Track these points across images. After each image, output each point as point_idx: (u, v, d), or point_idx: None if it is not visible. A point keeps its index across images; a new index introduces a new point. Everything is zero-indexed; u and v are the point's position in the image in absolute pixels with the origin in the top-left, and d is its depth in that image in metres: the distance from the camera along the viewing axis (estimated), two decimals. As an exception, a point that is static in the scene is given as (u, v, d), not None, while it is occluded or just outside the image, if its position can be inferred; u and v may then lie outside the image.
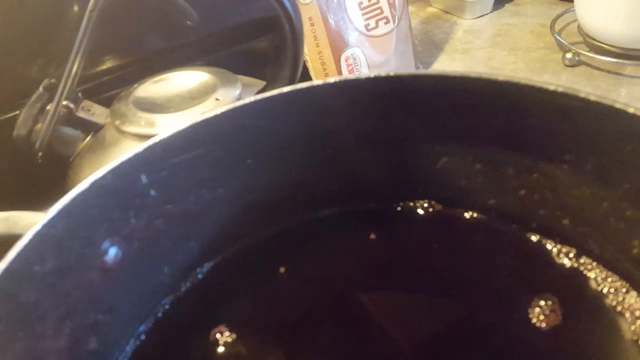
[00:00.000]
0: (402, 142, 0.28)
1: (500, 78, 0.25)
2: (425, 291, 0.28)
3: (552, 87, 0.24)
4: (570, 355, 0.24)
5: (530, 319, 0.25)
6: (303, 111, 0.27)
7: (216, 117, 0.26)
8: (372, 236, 0.31)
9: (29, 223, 0.21)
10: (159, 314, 0.28)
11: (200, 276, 0.30)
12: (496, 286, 0.28)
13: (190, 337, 0.27)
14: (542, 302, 0.26)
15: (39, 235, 0.20)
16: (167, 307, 0.28)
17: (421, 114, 0.27)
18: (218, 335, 0.27)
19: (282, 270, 0.30)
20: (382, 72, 0.26)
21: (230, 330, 0.27)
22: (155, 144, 0.24)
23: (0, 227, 0.21)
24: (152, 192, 0.25)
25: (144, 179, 0.24)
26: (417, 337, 0.26)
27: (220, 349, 0.26)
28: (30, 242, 0.20)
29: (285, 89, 0.26)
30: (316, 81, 0.26)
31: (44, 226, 0.20)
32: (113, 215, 0.24)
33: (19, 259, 0.19)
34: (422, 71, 0.26)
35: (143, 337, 0.27)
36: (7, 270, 0.19)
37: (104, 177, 0.22)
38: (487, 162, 0.28)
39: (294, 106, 0.27)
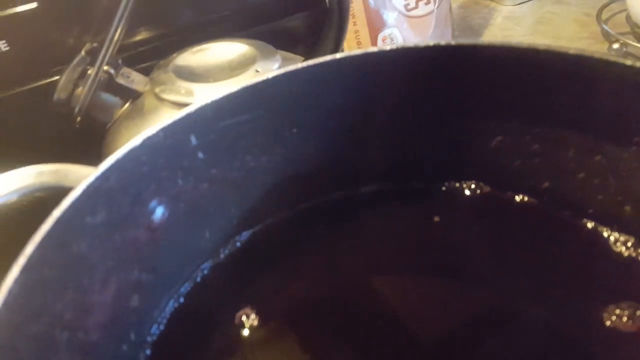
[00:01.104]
0: (455, 117, 0.27)
1: (572, 51, 0.23)
2: (463, 279, 0.27)
3: (628, 62, 0.22)
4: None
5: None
6: (354, 79, 0.26)
7: (267, 81, 0.25)
8: (414, 217, 0.31)
9: (80, 176, 0.21)
10: (198, 279, 0.27)
11: (238, 244, 0.29)
12: (544, 276, 0.26)
13: (227, 304, 0.27)
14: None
15: (92, 187, 0.20)
16: (205, 272, 0.28)
17: (480, 88, 0.26)
18: (246, 313, 0.26)
19: (318, 246, 0.30)
20: (442, 41, 0.24)
21: (258, 310, 0.26)
22: (206, 105, 0.23)
23: (51, 178, 0.21)
24: (200, 155, 0.25)
25: (193, 140, 0.24)
26: (449, 327, 0.25)
27: (246, 329, 0.26)
28: (84, 192, 0.20)
29: (339, 55, 0.26)
30: (371, 48, 0.25)
31: (98, 178, 0.20)
32: (162, 174, 0.23)
33: (72, 208, 0.19)
34: (484, 41, 0.24)
35: (182, 300, 0.27)
36: (61, 219, 0.19)
37: (156, 135, 0.22)
38: (546, 142, 0.26)
39: (346, 74, 0.26)
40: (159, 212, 0.23)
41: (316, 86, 0.26)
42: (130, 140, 0.21)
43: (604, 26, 0.67)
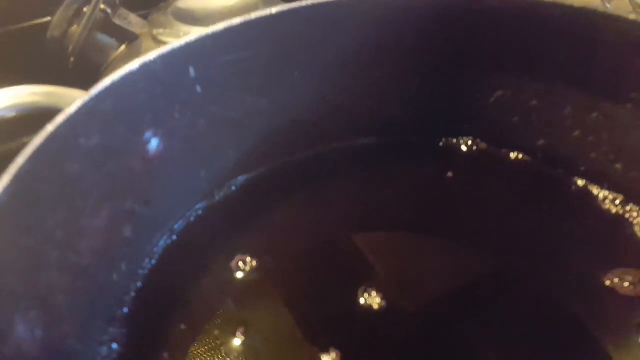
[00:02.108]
0: (457, 70, 0.27)
1: (577, 4, 0.23)
2: (455, 235, 0.27)
3: (632, 17, 0.22)
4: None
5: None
6: (361, 24, 0.26)
7: (270, 17, 0.24)
8: (410, 171, 0.31)
9: (73, 99, 0.20)
10: (192, 218, 0.27)
11: (234, 188, 0.29)
12: (534, 234, 0.27)
13: (219, 246, 0.27)
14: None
15: (87, 107, 0.19)
16: (200, 212, 0.28)
17: (483, 41, 0.26)
18: (246, 255, 0.26)
19: (313, 196, 0.30)
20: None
21: (252, 253, 0.26)
22: (206, 36, 0.23)
23: (44, 100, 0.21)
24: (199, 89, 0.24)
25: (192, 72, 0.23)
26: (440, 287, 0.25)
27: (246, 267, 0.26)
28: (78, 112, 0.19)
29: (345, -3, 0.25)
30: (379, -8, 0.25)
31: (93, 99, 0.20)
32: (159, 105, 0.23)
33: (66, 126, 0.19)
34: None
35: (175, 237, 0.26)
36: (55, 135, 0.18)
37: (154, 62, 0.22)
38: (545, 98, 0.26)
39: (353, 17, 0.25)
40: (154, 144, 0.23)
41: (321, 27, 0.25)
42: (128, 64, 0.21)
43: None
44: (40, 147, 0.18)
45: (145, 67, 0.21)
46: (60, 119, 0.18)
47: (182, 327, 0.23)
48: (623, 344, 0.22)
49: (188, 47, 0.23)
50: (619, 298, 0.24)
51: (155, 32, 0.37)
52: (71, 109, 0.19)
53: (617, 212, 0.26)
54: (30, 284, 0.17)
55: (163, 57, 0.22)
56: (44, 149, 0.18)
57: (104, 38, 0.39)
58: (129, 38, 0.39)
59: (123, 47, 0.39)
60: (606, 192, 0.27)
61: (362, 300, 0.24)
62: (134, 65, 0.21)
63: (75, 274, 0.20)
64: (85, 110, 0.19)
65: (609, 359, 0.21)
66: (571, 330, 0.23)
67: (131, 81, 0.21)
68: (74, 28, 0.37)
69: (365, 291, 0.24)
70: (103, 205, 0.21)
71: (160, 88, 0.22)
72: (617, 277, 0.25)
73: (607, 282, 0.24)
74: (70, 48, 0.37)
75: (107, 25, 0.38)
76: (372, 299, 0.24)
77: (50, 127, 0.18)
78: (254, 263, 0.26)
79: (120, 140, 0.21)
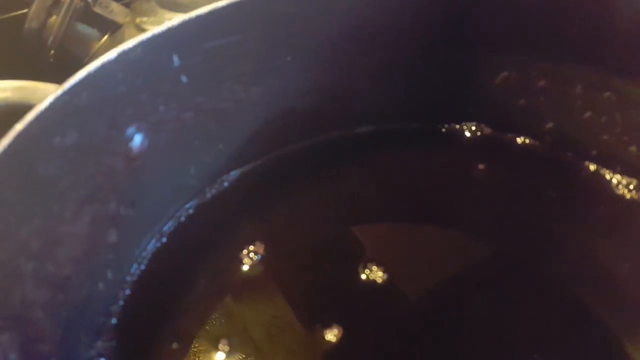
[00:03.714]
0: (460, 49, 0.25)
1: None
2: (460, 225, 0.26)
3: (649, -13, 0.21)
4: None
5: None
6: (358, 4, 0.24)
7: (257, -2, 0.23)
8: (411, 160, 0.29)
9: (47, 94, 0.19)
10: (183, 218, 0.26)
11: (226, 184, 0.27)
12: (543, 221, 0.25)
13: (213, 246, 0.26)
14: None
15: (60, 101, 0.18)
16: (190, 212, 0.26)
17: (489, 17, 0.24)
18: (245, 252, 0.25)
19: (311, 189, 0.28)
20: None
21: (254, 247, 0.25)
22: (190, 20, 0.21)
23: (16, 95, 0.19)
24: (184, 79, 0.22)
25: (176, 60, 0.22)
26: (444, 273, 0.24)
27: (245, 267, 0.24)
28: (51, 107, 0.17)
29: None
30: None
31: (66, 93, 0.18)
32: (141, 97, 0.21)
33: (38, 124, 0.17)
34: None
35: (165, 239, 0.25)
36: (25, 134, 0.16)
37: (133, 50, 0.20)
38: (554, 78, 0.25)
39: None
40: (138, 140, 0.21)
41: (313, 8, 0.24)
42: (105, 54, 0.19)
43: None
44: (9, 149, 0.16)
45: (124, 56, 0.19)
46: (30, 116, 0.17)
47: (176, 334, 0.22)
48: (637, 334, 0.21)
49: (170, 32, 0.21)
50: (633, 286, 0.23)
51: (138, 20, 0.35)
52: (42, 105, 0.17)
53: (631, 198, 0.25)
54: (2, 303, 0.15)
55: (143, 45, 0.20)
56: (13, 151, 0.16)
57: (84, 28, 0.37)
58: (111, 28, 0.37)
59: (105, 37, 0.37)
60: (619, 177, 0.26)
61: (363, 277, 0.23)
62: (111, 54, 0.19)
63: (55, 287, 0.18)
64: (59, 106, 0.18)
65: (620, 349, 0.20)
66: (584, 319, 0.22)
67: (109, 72, 0.19)
68: (53, 19, 0.35)
69: (366, 267, 0.23)
70: (83, 210, 0.19)
71: (141, 79, 0.21)
72: (632, 265, 0.24)
73: (621, 271, 0.23)
74: (50, 40, 0.35)
75: (87, 15, 0.36)
76: (374, 274, 0.23)
77: (19, 126, 0.16)
78: (250, 263, 0.24)
79: (99, 138, 0.20)
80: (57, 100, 0.17)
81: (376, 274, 0.22)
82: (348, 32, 0.25)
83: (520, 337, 0.21)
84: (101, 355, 0.20)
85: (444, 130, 0.29)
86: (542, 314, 0.22)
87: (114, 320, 0.21)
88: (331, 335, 0.21)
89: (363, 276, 0.23)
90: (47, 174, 0.18)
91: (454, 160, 0.29)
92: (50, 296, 0.17)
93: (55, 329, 0.17)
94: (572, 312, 0.22)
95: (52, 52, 0.36)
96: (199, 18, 0.21)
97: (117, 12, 0.36)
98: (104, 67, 0.19)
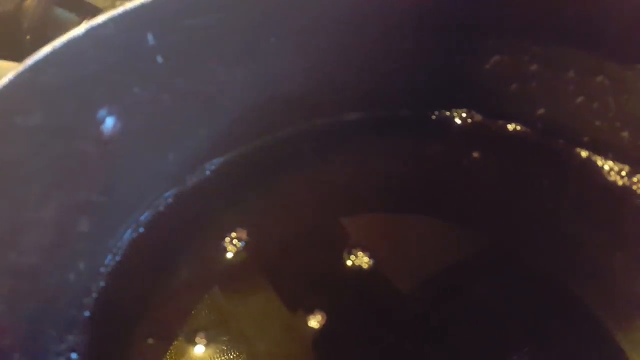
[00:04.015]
0: (450, 32, 0.24)
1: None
2: (451, 215, 0.26)
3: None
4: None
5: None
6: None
7: (239, -26, 0.21)
8: (401, 148, 0.28)
9: (7, 72, 0.17)
10: (161, 207, 0.24)
11: (207, 172, 0.26)
12: (534, 209, 0.25)
13: (192, 237, 0.25)
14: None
15: (22, 79, 0.16)
16: (170, 201, 0.25)
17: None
18: (227, 239, 0.24)
19: (295, 178, 0.27)
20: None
21: (236, 236, 0.24)
22: (166, -4, 0.20)
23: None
24: (159, 59, 0.21)
25: (150, 39, 0.20)
26: (434, 264, 0.23)
27: (228, 255, 0.23)
28: (11, 85, 0.16)
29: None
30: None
31: (28, 70, 0.17)
32: (113, 77, 0.20)
33: (-3, 102, 0.16)
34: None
35: (142, 229, 0.24)
36: (-18, 112, 0.15)
37: (104, 26, 0.18)
38: (546, 62, 0.24)
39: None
40: (110, 123, 0.20)
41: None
42: (73, 29, 0.18)
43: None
44: (-37, 127, 0.15)
45: (93, 32, 0.18)
46: (-14, 93, 0.15)
47: (154, 328, 0.21)
48: (628, 325, 0.21)
49: (144, 8, 0.19)
50: (626, 275, 0.23)
51: (119, 3, 0.33)
52: (1, 82, 0.16)
53: (623, 184, 0.25)
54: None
55: (115, 21, 0.19)
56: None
57: (62, 13, 0.35)
58: (90, 12, 0.36)
59: (85, 22, 0.36)
60: (611, 163, 0.25)
61: (349, 263, 0.22)
62: (79, 29, 0.18)
63: (19, 276, 0.17)
64: (21, 84, 0.16)
65: (612, 340, 0.20)
66: (575, 310, 0.21)
67: (77, 49, 0.18)
68: (29, 2, 0.33)
69: (351, 253, 0.22)
70: (50, 195, 0.18)
71: (114, 57, 0.19)
72: (623, 253, 0.23)
73: (613, 259, 0.23)
74: (25, 25, 0.34)
75: (64, -1, 0.35)
76: (360, 259, 0.22)
77: (-26, 103, 0.15)
78: (235, 250, 0.23)
79: (68, 119, 0.18)
80: (18, 77, 0.16)
81: (362, 260, 0.22)
82: (335, 14, 0.24)
83: (511, 325, 0.20)
84: (72, 350, 0.19)
85: (433, 117, 0.28)
86: (532, 303, 0.21)
87: (86, 313, 0.20)
88: (314, 321, 0.20)
89: (349, 262, 0.22)
90: (9, 157, 0.17)
91: (444, 147, 0.28)
92: (12, 287, 0.16)
93: (18, 323, 0.16)
94: (562, 302, 0.22)
95: (28, 37, 0.34)
96: (175, -6, 0.20)
97: (96, -5, 0.35)
98: (72, 42, 0.18)
